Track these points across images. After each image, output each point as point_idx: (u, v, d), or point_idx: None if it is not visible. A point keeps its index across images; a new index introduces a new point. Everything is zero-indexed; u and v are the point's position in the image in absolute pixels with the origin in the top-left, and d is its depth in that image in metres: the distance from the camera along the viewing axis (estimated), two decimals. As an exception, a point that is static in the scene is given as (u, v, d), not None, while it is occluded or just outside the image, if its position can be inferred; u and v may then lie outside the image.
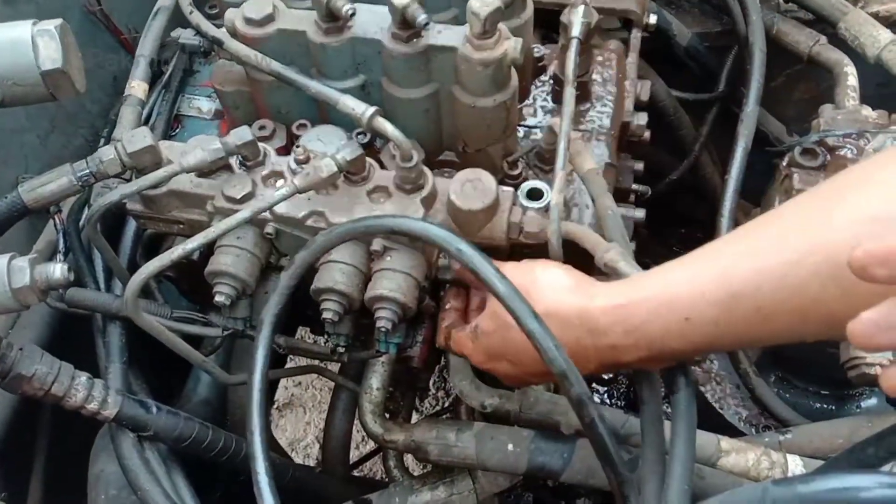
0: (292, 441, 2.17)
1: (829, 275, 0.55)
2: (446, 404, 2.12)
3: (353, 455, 1.67)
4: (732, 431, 1.14)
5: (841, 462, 0.67)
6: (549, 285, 0.70)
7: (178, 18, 1.08)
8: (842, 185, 0.59)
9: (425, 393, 2.23)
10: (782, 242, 0.58)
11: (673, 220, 1.69)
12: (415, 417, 2.15)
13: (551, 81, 1.03)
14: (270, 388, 1.63)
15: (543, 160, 0.97)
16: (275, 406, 2.22)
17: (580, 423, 0.60)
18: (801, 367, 1.13)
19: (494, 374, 0.78)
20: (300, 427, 2.18)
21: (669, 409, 0.70)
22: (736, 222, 1.14)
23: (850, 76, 1.14)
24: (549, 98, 1.03)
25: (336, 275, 0.78)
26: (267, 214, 0.79)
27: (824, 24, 1.23)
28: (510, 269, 0.70)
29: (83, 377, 0.80)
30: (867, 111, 1.08)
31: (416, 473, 1.05)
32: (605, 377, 1.74)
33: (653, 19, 1.13)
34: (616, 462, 0.59)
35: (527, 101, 1.04)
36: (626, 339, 0.64)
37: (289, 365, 1.76)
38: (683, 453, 0.62)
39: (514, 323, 0.68)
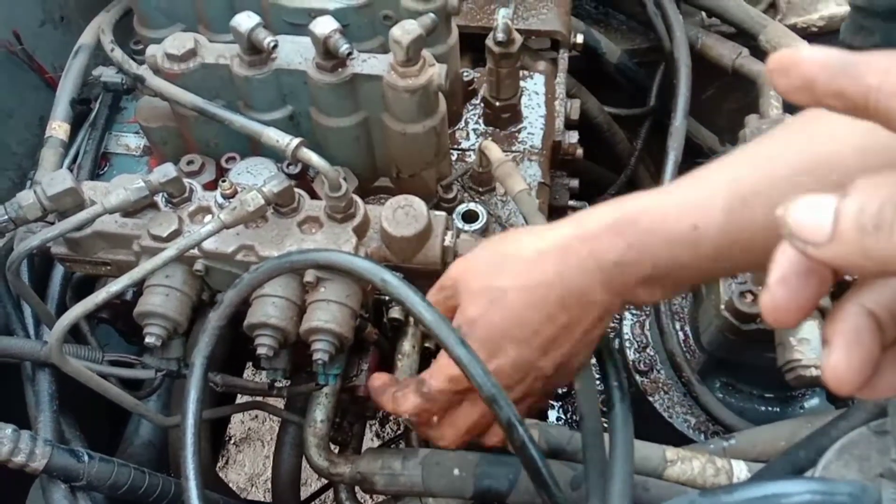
0: (251, 476, 2.12)
1: (837, 184, 0.53)
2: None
3: (314, 488, 1.64)
4: (683, 439, 1.15)
5: (776, 467, 0.68)
6: (537, 231, 0.71)
7: (103, 55, 1.06)
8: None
9: (386, 418, 2.21)
10: (788, 151, 0.58)
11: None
12: (377, 443, 2.13)
13: (482, 104, 1.04)
14: (221, 424, 1.60)
15: (477, 182, 0.98)
16: (231, 441, 2.17)
17: (511, 447, 0.60)
18: (744, 371, 1.14)
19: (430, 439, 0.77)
20: (259, 462, 2.14)
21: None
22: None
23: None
24: (481, 121, 1.04)
25: (269, 309, 0.76)
26: (195, 251, 0.78)
27: (746, 36, 1.26)
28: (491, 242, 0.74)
29: (8, 429, 0.77)
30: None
31: (368, 505, 1.03)
32: (560, 391, 1.74)
33: (580, 39, 1.16)
34: (549, 484, 0.59)
35: (459, 125, 1.04)
36: (630, 252, 0.60)
37: (240, 400, 1.72)
38: (622, 470, 0.62)
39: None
